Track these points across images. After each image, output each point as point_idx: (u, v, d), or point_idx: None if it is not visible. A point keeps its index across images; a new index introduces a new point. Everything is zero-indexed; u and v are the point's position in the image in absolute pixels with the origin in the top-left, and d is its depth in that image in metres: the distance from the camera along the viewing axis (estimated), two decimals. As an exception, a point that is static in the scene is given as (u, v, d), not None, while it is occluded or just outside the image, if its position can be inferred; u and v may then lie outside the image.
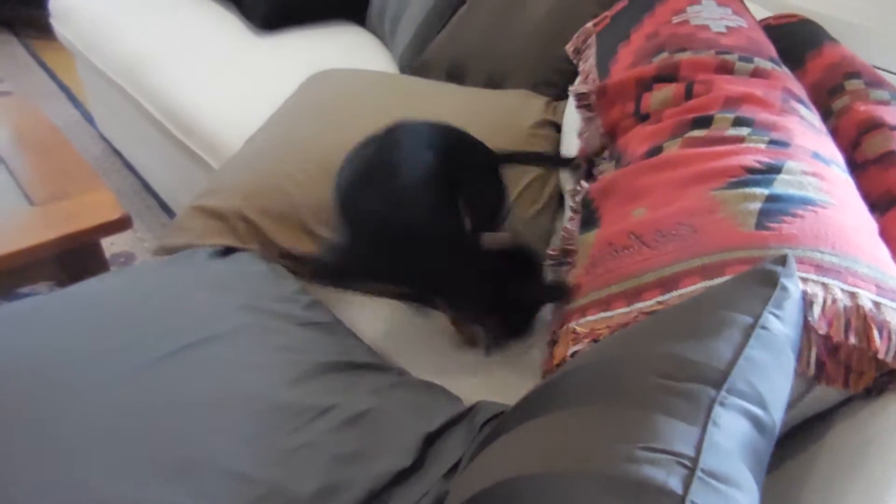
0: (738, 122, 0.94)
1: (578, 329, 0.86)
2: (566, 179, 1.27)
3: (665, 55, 1.10)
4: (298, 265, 1.14)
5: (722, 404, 0.52)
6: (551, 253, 1.08)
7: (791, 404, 0.72)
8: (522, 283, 0.98)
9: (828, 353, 0.70)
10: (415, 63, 1.70)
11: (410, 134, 1.06)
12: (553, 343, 0.91)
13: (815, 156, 0.89)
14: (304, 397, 0.86)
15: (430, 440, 0.86)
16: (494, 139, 1.30)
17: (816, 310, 0.68)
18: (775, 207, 0.80)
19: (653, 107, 1.06)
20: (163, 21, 1.89)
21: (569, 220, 1.08)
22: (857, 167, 0.96)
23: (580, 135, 1.22)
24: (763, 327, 0.58)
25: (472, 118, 1.32)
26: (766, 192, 0.82)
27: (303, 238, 1.14)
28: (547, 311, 1.02)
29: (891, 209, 0.89)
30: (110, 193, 1.33)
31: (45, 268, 1.29)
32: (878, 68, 1.16)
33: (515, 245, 1.01)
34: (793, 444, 0.74)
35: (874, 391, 0.71)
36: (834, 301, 0.69)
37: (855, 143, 0.99)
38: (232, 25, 1.92)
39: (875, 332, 0.68)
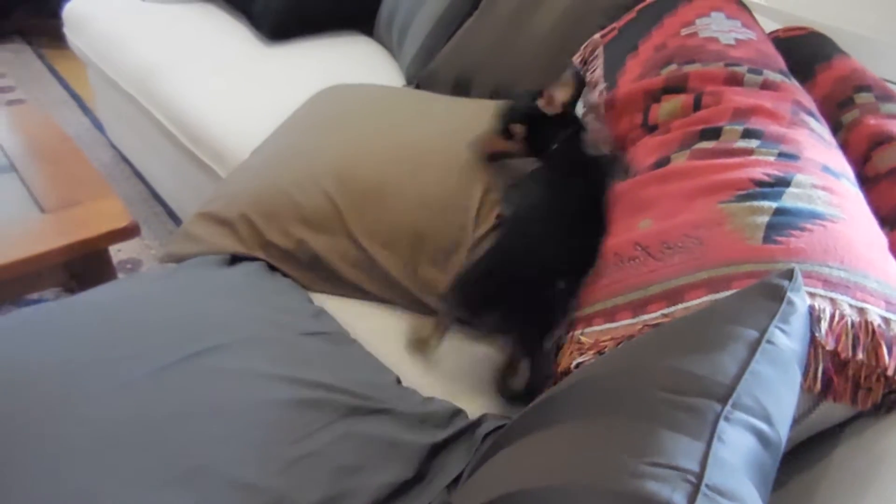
0: (747, 134, 0.94)
1: (583, 339, 0.86)
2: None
3: (674, 67, 1.10)
4: (302, 271, 1.15)
5: (727, 419, 0.51)
6: None
7: (798, 420, 0.71)
8: None
9: (835, 369, 0.69)
10: (422, 74, 1.71)
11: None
12: (557, 350, 0.90)
13: (825, 169, 0.88)
14: (309, 408, 0.86)
15: (434, 452, 0.86)
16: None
17: (824, 325, 0.68)
18: (783, 221, 0.79)
19: (661, 118, 1.06)
20: (173, 31, 1.91)
21: None
22: (867, 181, 0.95)
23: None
24: (769, 342, 0.57)
25: (476, 125, 1.32)
26: (774, 205, 0.81)
27: (307, 245, 1.14)
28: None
29: (901, 223, 0.88)
30: (119, 201, 1.34)
31: (54, 274, 1.30)
32: (889, 81, 1.15)
33: None
34: (799, 461, 0.73)
35: (882, 408, 0.71)
36: (842, 316, 0.68)
37: (865, 156, 0.99)
38: (241, 36, 1.94)
39: (884, 349, 0.67)
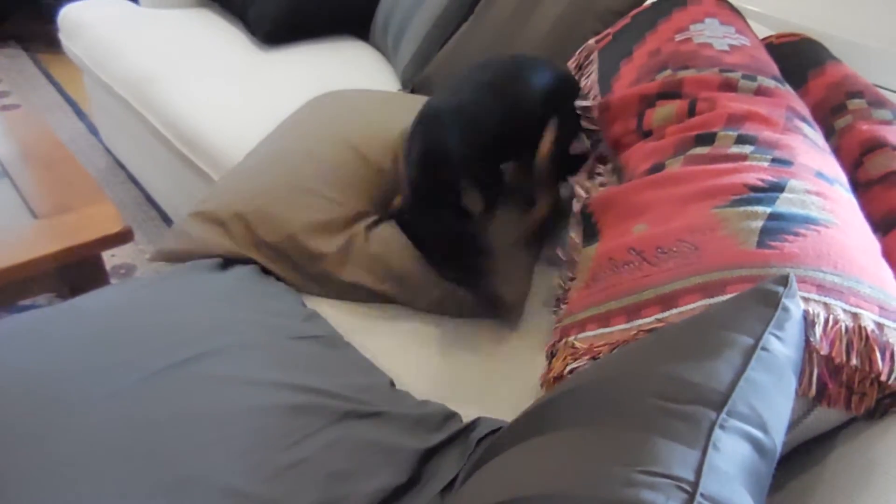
0: (741, 139, 0.94)
1: (577, 344, 0.85)
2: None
3: (668, 72, 1.10)
4: (294, 273, 1.14)
5: (722, 427, 0.51)
6: (562, 258, 1.08)
7: (792, 425, 0.71)
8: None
9: (829, 375, 0.69)
10: (417, 79, 1.71)
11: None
12: (552, 356, 0.90)
13: (819, 175, 0.88)
14: (301, 413, 0.85)
15: (427, 457, 0.85)
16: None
17: (818, 330, 0.68)
18: (777, 226, 0.79)
19: (655, 123, 1.06)
20: (169, 36, 1.91)
21: (571, 227, 1.08)
22: (859, 186, 0.95)
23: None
24: (764, 349, 0.57)
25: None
26: (768, 210, 0.81)
27: (299, 245, 1.14)
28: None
29: (894, 229, 0.88)
30: (112, 207, 1.34)
31: (47, 280, 1.30)
32: (881, 87, 1.16)
33: None
34: (794, 466, 0.73)
35: (876, 413, 0.71)
36: (836, 322, 0.68)
37: (858, 162, 0.99)
38: (237, 40, 1.94)
39: (877, 354, 0.67)
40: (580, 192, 1.13)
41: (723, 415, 0.52)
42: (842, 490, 0.64)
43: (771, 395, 0.55)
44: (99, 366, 0.87)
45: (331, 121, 1.37)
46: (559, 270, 1.10)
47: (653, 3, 1.32)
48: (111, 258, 1.88)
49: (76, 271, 1.30)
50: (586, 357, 0.83)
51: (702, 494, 0.46)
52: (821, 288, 0.71)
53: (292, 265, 1.14)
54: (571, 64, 1.41)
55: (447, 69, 1.65)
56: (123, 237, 1.29)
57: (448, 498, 0.81)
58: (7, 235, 1.26)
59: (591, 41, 1.37)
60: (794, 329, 0.61)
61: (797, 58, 1.21)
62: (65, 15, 2.04)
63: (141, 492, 0.75)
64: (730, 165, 0.91)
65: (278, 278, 1.15)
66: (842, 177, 0.93)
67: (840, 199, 0.86)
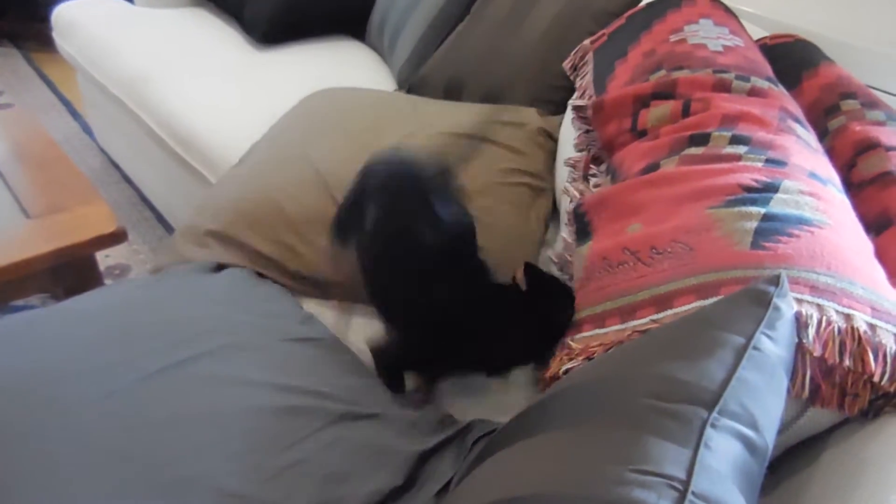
0: (736, 140, 0.94)
1: (573, 345, 0.85)
2: (560, 181, 1.26)
3: (662, 73, 1.10)
4: (289, 278, 1.14)
5: (714, 426, 0.51)
6: (554, 260, 1.08)
7: (786, 426, 0.71)
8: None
9: (822, 375, 0.69)
10: (413, 79, 1.71)
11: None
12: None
13: (812, 175, 0.89)
14: (297, 415, 0.85)
15: (423, 458, 0.85)
16: (494, 151, 1.31)
17: (811, 331, 0.68)
18: (771, 227, 0.79)
19: (650, 123, 1.07)
20: (163, 36, 1.91)
21: (565, 225, 1.08)
22: (852, 187, 0.96)
23: (576, 147, 1.23)
24: (755, 348, 0.57)
25: (473, 131, 1.33)
26: (762, 210, 0.82)
27: (294, 252, 1.14)
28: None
29: (886, 230, 0.89)
30: (106, 207, 1.33)
31: (40, 280, 1.29)
32: (874, 88, 1.16)
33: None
34: (787, 467, 0.73)
35: (869, 414, 0.71)
36: (829, 323, 0.69)
37: (851, 163, 0.99)
38: (232, 40, 1.93)
39: (870, 355, 0.67)
40: (574, 193, 1.13)
41: (714, 414, 0.52)
42: (835, 490, 0.65)
43: (762, 394, 0.56)
44: (92, 367, 0.87)
45: (323, 123, 1.37)
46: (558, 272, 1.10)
47: (648, 4, 1.32)
48: (105, 258, 1.87)
49: (70, 272, 1.30)
50: (581, 357, 0.83)
51: (693, 493, 0.46)
52: (814, 289, 0.72)
53: (288, 273, 1.14)
54: (567, 64, 1.41)
55: (443, 69, 1.65)
56: (117, 237, 1.28)
57: (444, 499, 0.81)
58: (0, 235, 1.25)
59: (587, 42, 1.37)
60: (785, 328, 0.61)
61: (791, 59, 1.22)
62: (58, 14, 2.03)
63: (137, 493, 0.74)
64: (724, 166, 0.91)
65: (274, 280, 1.14)
66: (835, 177, 0.93)
67: (833, 200, 0.86)
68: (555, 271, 1.07)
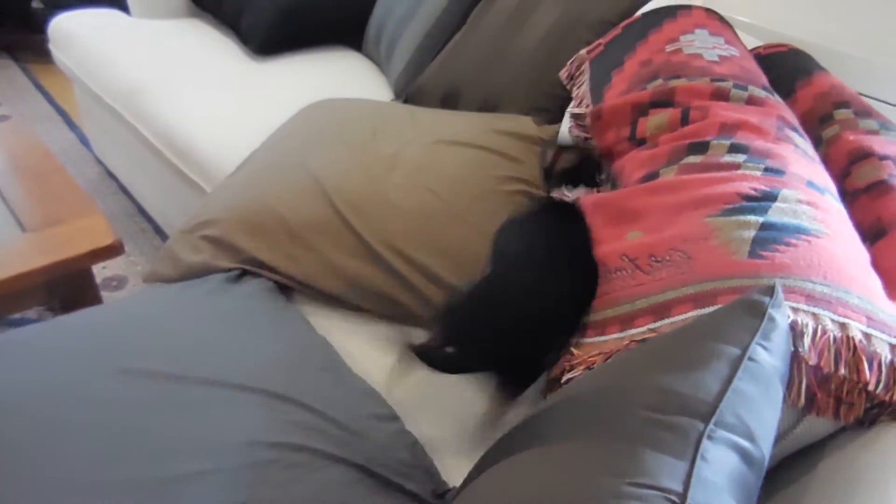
0: (734, 148, 0.95)
1: (575, 351, 0.86)
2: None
3: (659, 82, 1.11)
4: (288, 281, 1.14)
5: (710, 438, 0.51)
6: None
7: (782, 435, 0.71)
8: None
9: (818, 384, 0.69)
10: (410, 88, 1.72)
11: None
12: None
13: (810, 184, 0.89)
14: (293, 451, 0.83)
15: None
16: (491, 158, 1.31)
17: (807, 340, 0.68)
18: (769, 236, 0.80)
19: (649, 131, 1.07)
20: (160, 47, 1.91)
21: None
22: (846, 196, 0.96)
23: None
24: (751, 359, 0.57)
25: (465, 135, 1.33)
26: (760, 219, 0.82)
27: (291, 258, 1.14)
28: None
29: (881, 238, 0.89)
30: (103, 219, 1.33)
31: (36, 293, 1.29)
32: (867, 96, 1.17)
33: None
34: (784, 476, 0.73)
35: (865, 423, 0.71)
36: (824, 332, 0.69)
37: (845, 172, 1.00)
38: (229, 51, 1.94)
39: (865, 364, 0.67)
40: (566, 195, 1.14)
41: (710, 425, 0.52)
42: (831, 500, 0.65)
43: (758, 405, 0.56)
44: (88, 386, 0.86)
45: (321, 133, 1.37)
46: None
47: (643, 14, 1.33)
48: (102, 270, 1.87)
49: (66, 284, 1.29)
50: (582, 367, 0.84)
51: (690, 506, 0.46)
52: (810, 298, 0.72)
53: (285, 277, 1.14)
54: (563, 74, 1.42)
55: (440, 79, 1.66)
56: (114, 250, 1.28)
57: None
58: (-5, 249, 1.25)
59: (583, 51, 1.38)
60: (780, 339, 0.62)
61: (785, 68, 1.22)
62: (55, 25, 2.04)
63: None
64: (723, 174, 0.91)
65: (280, 286, 1.13)
66: (831, 186, 0.93)
67: (830, 209, 0.87)
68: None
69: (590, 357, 0.83)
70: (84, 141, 2.44)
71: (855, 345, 0.68)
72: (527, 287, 0.94)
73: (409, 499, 0.84)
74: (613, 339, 0.83)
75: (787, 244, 0.78)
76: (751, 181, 0.88)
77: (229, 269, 1.14)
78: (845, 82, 1.17)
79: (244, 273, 1.14)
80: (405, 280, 1.12)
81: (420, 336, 1.08)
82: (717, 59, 1.13)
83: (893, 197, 0.93)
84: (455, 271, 1.12)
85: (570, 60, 1.41)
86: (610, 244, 0.93)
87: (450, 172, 1.24)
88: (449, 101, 1.62)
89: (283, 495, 0.79)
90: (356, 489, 0.82)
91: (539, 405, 0.68)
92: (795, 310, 0.71)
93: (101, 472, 0.77)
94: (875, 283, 0.79)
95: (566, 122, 1.30)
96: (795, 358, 0.68)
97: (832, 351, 0.68)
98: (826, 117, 1.09)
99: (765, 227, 0.81)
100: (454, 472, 0.90)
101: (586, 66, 1.34)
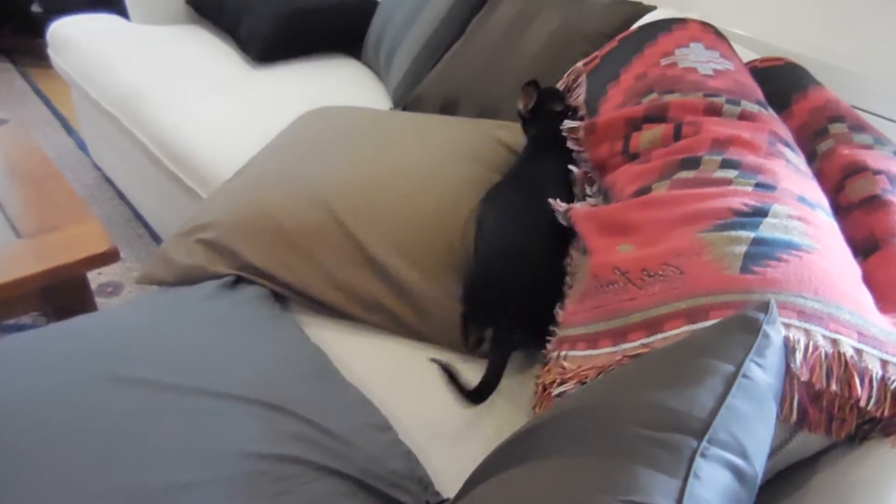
0: (726, 164, 0.95)
1: (566, 364, 0.86)
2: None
3: (654, 96, 1.11)
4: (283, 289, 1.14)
5: (703, 455, 0.51)
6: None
7: (774, 451, 0.71)
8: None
9: (810, 400, 0.69)
10: (408, 97, 1.73)
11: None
12: (544, 365, 0.91)
13: (801, 199, 0.89)
14: (286, 463, 0.83)
15: None
16: (493, 159, 1.32)
17: (798, 356, 0.69)
18: (760, 251, 0.80)
19: (642, 146, 1.08)
20: (159, 53, 1.91)
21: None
22: (840, 210, 0.97)
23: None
24: (745, 376, 0.58)
25: (467, 145, 1.33)
26: (752, 234, 0.82)
27: (289, 266, 1.14)
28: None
29: (873, 253, 0.89)
30: (99, 226, 1.33)
31: (31, 300, 1.28)
32: (862, 111, 1.18)
33: None
34: (776, 491, 0.73)
35: (856, 438, 0.71)
36: (816, 348, 0.69)
37: (839, 186, 1.00)
38: (228, 58, 1.94)
39: (856, 380, 0.68)
40: (557, 206, 1.13)
41: (704, 443, 0.52)
42: (823, 515, 0.65)
43: (752, 423, 0.56)
44: (81, 395, 0.86)
45: (320, 141, 1.37)
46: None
47: (639, 27, 1.34)
48: (98, 276, 1.87)
49: (61, 291, 1.29)
50: (574, 381, 0.84)
51: (682, 524, 0.46)
52: (801, 314, 0.72)
53: (280, 286, 1.14)
54: (560, 86, 1.42)
55: (439, 88, 1.67)
56: (109, 257, 1.28)
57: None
58: (-11, 255, 1.25)
59: (580, 64, 1.38)
60: (774, 356, 0.62)
61: (781, 82, 1.23)
62: (54, 30, 2.04)
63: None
64: (714, 190, 0.92)
65: (276, 295, 1.13)
66: (824, 201, 0.94)
67: (822, 225, 0.87)
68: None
69: (583, 371, 0.83)
70: (81, 146, 2.44)
71: (846, 361, 0.69)
72: (522, 246, 1.09)
73: None
74: (606, 353, 0.83)
75: (779, 259, 0.79)
76: (742, 196, 0.88)
77: (224, 275, 1.14)
78: (840, 96, 1.18)
79: (239, 280, 1.14)
80: (403, 290, 1.12)
81: (415, 346, 1.08)
82: (711, 72, 1.13)
83: (887, 212, 0.93)
84: (454, 282, 1.12)
85: (567, 73, 1.41)
86: (602, 254, 0.93)
87: (449, 181, 1.24)
88: (447, 110, 1.63)
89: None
90: (349, 502, 0.82)
91: (532, 420, 0.68)
92: (787, 325, 0.71)
93: (94, 479, 0.77)
94: (866, 297, 0.79)
95: None
96: (787, 374, 0.68)
97: (824, 367, 0.69)
98: (821, 131, 1.10)
99: (756, 242, 0.81)
100: (448, 482, 0.90)
101: (583, 78, 1.35)
